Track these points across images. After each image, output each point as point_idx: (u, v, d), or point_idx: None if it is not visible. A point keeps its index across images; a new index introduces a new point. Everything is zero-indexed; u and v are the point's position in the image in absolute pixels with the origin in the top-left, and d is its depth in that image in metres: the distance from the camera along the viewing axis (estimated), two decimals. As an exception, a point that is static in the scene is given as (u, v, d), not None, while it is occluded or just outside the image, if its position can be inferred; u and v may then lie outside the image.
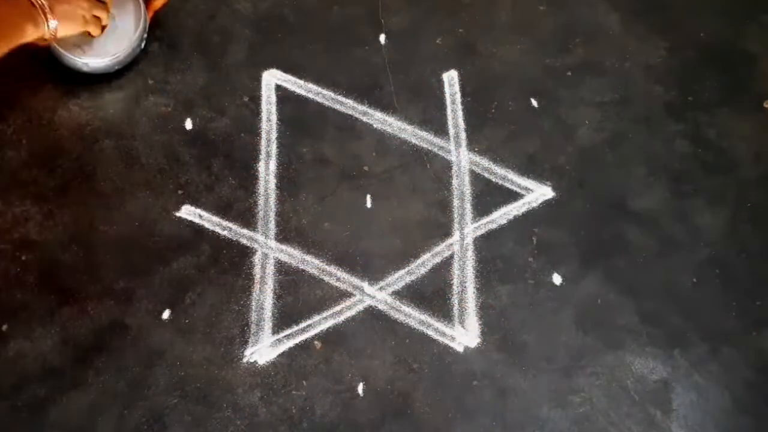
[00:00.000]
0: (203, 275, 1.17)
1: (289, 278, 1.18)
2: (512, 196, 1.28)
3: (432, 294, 1.18)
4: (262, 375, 1.11)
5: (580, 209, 1.28)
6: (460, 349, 1.15)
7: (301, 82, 1.36)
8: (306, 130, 1.31)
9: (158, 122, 1.29)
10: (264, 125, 1.31)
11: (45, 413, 1.05)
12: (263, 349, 1.13)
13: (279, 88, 1.35)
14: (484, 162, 1.31)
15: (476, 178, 1.29)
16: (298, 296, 1.17)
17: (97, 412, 1.06)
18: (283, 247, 1.21)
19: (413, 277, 1.20)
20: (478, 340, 1.16)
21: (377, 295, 1.18)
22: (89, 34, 1.22)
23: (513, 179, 1.29)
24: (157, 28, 1.36)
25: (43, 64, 1.31)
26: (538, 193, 1.29)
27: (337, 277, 1.19)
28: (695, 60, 1.45)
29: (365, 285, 1.18)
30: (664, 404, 1.13)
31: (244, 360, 1.12)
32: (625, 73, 1.42)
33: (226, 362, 1.11)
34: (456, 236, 1.23)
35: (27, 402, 1.06)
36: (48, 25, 1.12)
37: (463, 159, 1.30)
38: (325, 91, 1.35)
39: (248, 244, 1.20)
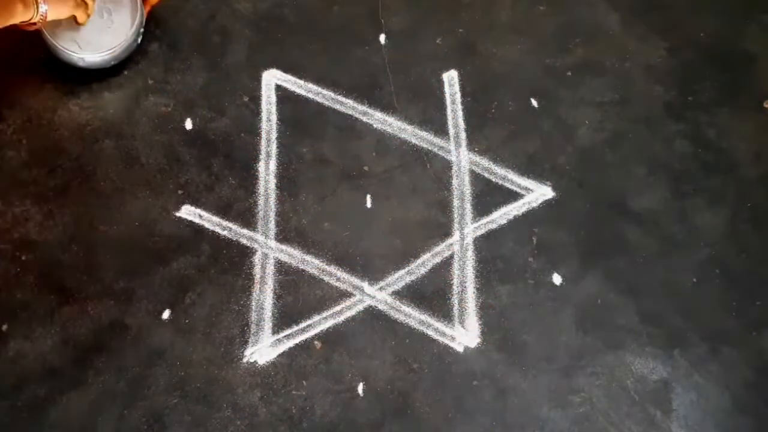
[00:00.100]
0: (203, 275, 1.17)
1: (289, 278, 1.18)
2: (512, 196, 1.28)
3: (432, 294, 1.18)
4: (262, 375, 1.11)
5: (580, 209, 1.28)
6: (460, 349, 1.15)
7: (301, 82, 1.36)
8: (306, 130, 1.31)
9: (158, 122, 1.29)
10: (264, 125, 1.31)
11: (45, 413, 1.06)
12: (263, 349, 1.13)
13: (279, 88, 1.35)
14: (484, 162, 1.31)
15: (476, 178, 1.29)
16: (298, 296, 1.17)
17: (97, 412, 1.06)
18: (283, 247, 1.21)
19: (413, 277, 1.20)
20: (478, 340, 1.16)
21: (377, 295, 1.18)
22: (75, 21, 1.22)
23: (513, 179, 1.29)
24: (155, 27, 1.36)
25: (43, 64, 1.31)
26: (538, 193, 1.29)
27: (337, 277, 1.19)
28: (695, 60, 1.45)
29: (365, 285, 1.18)
30: (664, 404, 1.13)
31: (244, 360, 1.12)
32: (625, 73, 1.42)
33: (226, 362, 1.11)
34: (456, 236, 1.23)
35: (27, 402, 1.06)
36: (38, 9, 1.12)
37: (463, 159, 1.30)
38: (325, 91, 1.35)
39: (248, 244, 1.20)
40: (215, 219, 1.22)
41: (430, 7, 1.46)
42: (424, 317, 1.16)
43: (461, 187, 1.28)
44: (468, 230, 1.24)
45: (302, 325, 1.15)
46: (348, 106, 1.34)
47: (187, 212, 1.22)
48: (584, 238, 1.25)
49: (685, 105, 1.40)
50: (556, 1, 1.49)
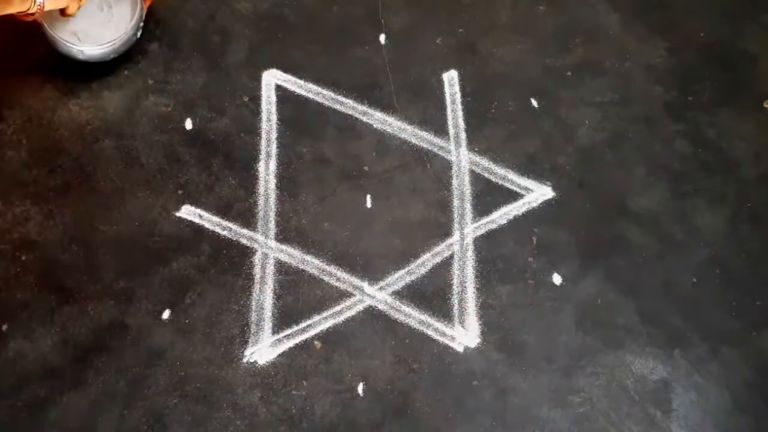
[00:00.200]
0: (203, 275, 1.17)
1: (289, 278, 1.18)
2: (512, 196, 1.28)
3: (432, 294, 1.18)
4: (262, 375, 1.11)
5: (580, 209, 1.28)
6: (460, 349, 1.15)
7: (301, 82, 1.36)
8: (306, 130, 1.31)
9: (158, 122, 1.29)
10: (264, 125, 1.31)
11: (45, 413, 1.06)
12: (263, 349, 1.13)
13: (279, 88, 1.35)
14: (484, 162, 1.31)
15: (476, 178, 1.29)
16: (298, 296, 1.17)
17: (97, 412, 1.06)
18: (283, 247, 1.21)
19: (413, 277, 1.20)
20: (478, 340, 1.16)
21: (377, 295, 1.18)
22: (63, 13, 1.21)
23: (513, 179, 1.29)
24: (155, 27, 1.36)
25: (43, 64, 1.31)
26: (538, 193, 1.29)
27: (337, 277, 1.19)
28: (695, 60, 1.45)
29: (365, 285, 1.18)
30: (664, 404, 1.13)
31: (244, 360, 1.12)
32: (625, 73, 1.42)
33: (226, 362, 1.11)
34: (456, 236, 1.23)
35: (27, 402, 1.06)
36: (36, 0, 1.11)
37: (463, 159, 1.30)
38: (325, 91, 1.35)
39: (248, 244, 1.20)
40: (215, 219, 1.22)
41: (430, 7, 1.46)
42: (424, 317, 1.16)
43: (461, 187, 1.28)
44: (468, 230, 1.24)
45: (302, 325, 1.15)
46: (348, 106, 1.34)
47: (187, 212, 1.22)
48: (584, 238, 1.25)
49: (685, 105, 1.40)
50: (556, 1, 1.49)
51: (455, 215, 1.25)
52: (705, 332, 1.19)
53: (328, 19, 1.43)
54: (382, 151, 1.30)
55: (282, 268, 1.19)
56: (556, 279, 1.21)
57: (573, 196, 1.29)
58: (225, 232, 1.21)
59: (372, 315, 1.16)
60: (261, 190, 1.25)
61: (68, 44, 1.24)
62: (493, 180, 1.29)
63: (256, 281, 1.17)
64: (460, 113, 1.35)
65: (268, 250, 1.20)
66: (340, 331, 1.15)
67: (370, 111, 1.34)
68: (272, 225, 1.22)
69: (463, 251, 1.22)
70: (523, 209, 1.27)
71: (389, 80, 1.37)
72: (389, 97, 1.35)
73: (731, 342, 1.18)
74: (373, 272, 1.19)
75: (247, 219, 1.22)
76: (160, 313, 1.14)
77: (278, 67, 1.36)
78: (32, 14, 1.15)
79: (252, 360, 1.12)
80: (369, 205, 1.26)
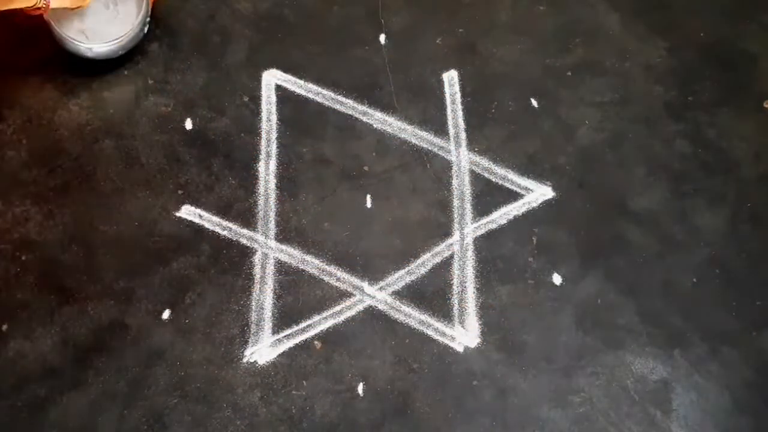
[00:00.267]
0: (203, 275, 1.17)
1: (289, 278, 1.18)
2: (512, 196, 1.28)
3: (432, 294, 1.18)
4: (262, 375, 1.11)
5: (580, 209, 1.28)
6: (460, 349, 1.15)
7: (301, 82, 1.36)
8: (306, 130, 1.31)
9: (158, 122, 1.29)
10: (264, 125, 1.31)
11: (45, 413, 1.06)
12: (263, 349, 1.13)
13: (279, 88, 1.35)
14: (484, 162, 1.31)
15: (476, 178, 1.29)
16: (298, 296, 1.17)
17: (97, 412, 1.06)
18: (283, 247, 1.21)
19: (413, 277, 1.20)
20: (478, 340, 1.16)
21: (377, 295, 1.18)
22: (74, 6, 1.21)
23: (513, 179, 1.29)
24: (155, 27, 1.36)
25: (43, 64, 1.31)
26: (538, 193, 1.29)
27: (337, 277, 1.19)
28: (695, 60, 1.45)
29: (365, 285, 1.18)
30: (664, 404, 1.13)
31: (244, 360, 1.12)
32: (625, 73, 1.42)
33: (226, 362, 1.11)
34: (456, 236, 1.23)
35: (27, 402, 1.06)
36: None
37: (463, 159, 1.30)
38: (325, 91, 1.35)
39: (248, 244, 1.20)
40: (215, 219, 1.22)
41: (430, 7, 1.46)
42: (424, 317, 1.16)
43: (461, 187, 1.28)
44: (468, 230, 1.24)
45: (302, 325, 1.15)
46: (348, 106, 1.34)
47: (187, 212, 1.22)
48: (584, 238, 1.25)
49: (685, 105, 1.40)
50: (556, 1, 1.49)
51: (455, 215, 1.25)
52: (705, 332, 1.19)
53: (328, 19, 1.43)
54: (382, 151, 1.30)
55: (282, 268, 1.19)
56: (556, 279, 1.21)
57: (573, 196, 1.29)
58: (225, 232, 1.21)
59: (372, 315, 1.16)
60: (261, 190, 1.25)
61: (76, 42, 1.25)
62: (493, 180, 1.29)
63: (256, 281, 1.17)
64: (460, 113, 1.35)
65: (268, 250, 1.20)
66: (340, 331, 1.15)
67: (370, 111, 1.34)
68: (272, 225, 1.22)
69: (463, 251, 1.22)
70: (523, 209, 1.27)
71: (389, 80, 1.37)
72: (389, 97, 1.35)
73: (731, 342, 1.18)
74: (373, 272, 1.19)
75: (247, 219, 1.22)
76: (160, 313, 1.14)
77: (278, 67, 1.36)
78: (39, 9, 1.14)
79: (252, 360, 1.12)
80: (369, 205, 1.26)
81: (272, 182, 1.26)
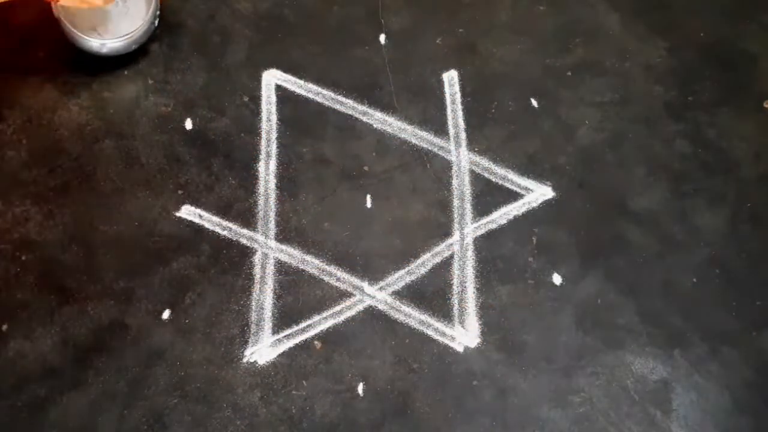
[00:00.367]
0: (203, 275, 1.17)
1: (289, 278, 1.18)
2: (512, 196, 1.28)
3: (432, 294, 1.18)
4: (262, 375, 1.11)
5: (580, 209, 1.28)
6: (460, 349, 1.15)
7: (301, 82, 1.35)
8: (306, 130, 1.31)
9: (158, 122, 1.29)
10: (264, 125, 1.31)
11: (45, 413, 1.05)
12: (263, 349, 1.13)
13: (279, 88, 1.35)
14: (484, 162, 1.30)
15: (476, 178, 1.29)
16: (298, 296, 1.17)
17: (97, 412, 1.06)
18: (283, 247, 1.21)
19: (413, 277, 1.20)
20: (478, 340, 1.16)
21: (377, 295, 1.18)
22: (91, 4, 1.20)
23: (513, 179, 1.29)
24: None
25: (43, 64, 1.31)
26: (538, 193, 1.29)
27: (337, 277, 1.19)
28: (695, 60, 1.45)
29: (365, 285, 1.18)
30: (664, 404, 1.13)
31: (244, 360, 1.12)
32: (625, 73, 1.42)
33: (226, 362, 1.11)
34: (456, 236, 1.23)
35: (27, 402, 1.06)
36: None
37: (463, 159, 1.30)
38: (325, 91, 1.35)
39: (248, 244, 1.20)
40: (215, 219, 1.22)
41: (430, 7, 1.46)
42: (424, 317, 1.16)
43: (461, 187, 1.28)
44: (468, 230, 1.24)
45: (302, 325, 1.15)
46: (348, 106, 1.34)
47: (187, 212, 1.22)
48: (584, 238, 1.25)
49: (685, 105, 1.40)
50: (556, 1, 1.49)
51: (455, 215, 1.25)
52: (705, 332, 1.19)
53: (328, 19, 1.43)
54: (382, 151, 1.30)
55: (282, 268, 1.19)
56: (556, 279, 1.21)
57: (573, 196, 1.29)
58: (225, 232, 1.21)
59: (372, 315, 1.16)
60: (261, 190, 1.25)
61: (89, 39, 1.25)
62: (493, 180, 1.29)
63: (256, 281, 1.17)
64: (460, 113, 1.35)
65: (268, 250, 1.20)
66: (340, 331, 1.15)
67: (370, 111, 1.34)
68: (272, 225, 1.22)
69: (463, 251, 1.22)
70: (523, 209, 1.27)
71: (389, 80, 1.37)
72: (389, 97, 1.35)
73: (731, 342, 1.18)
74: (373, 272, 1.19)
75: (247, 219, 1.22)
76: (160, 313, 1.14)
77: (278, 67, 1.36)
78: None
79: (252, 360, 1.12)
80: (369, 205, 1.26)
81: (272, 182, 1.26)
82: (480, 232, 1.24)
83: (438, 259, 1.21)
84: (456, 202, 1.26)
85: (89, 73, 1.30)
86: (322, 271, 1.19)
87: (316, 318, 1.15)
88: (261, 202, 1.24)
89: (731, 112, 1.39)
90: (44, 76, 1.30)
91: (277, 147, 1.29)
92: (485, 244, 1.23)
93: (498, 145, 1.32)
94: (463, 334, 1.16)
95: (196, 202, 1.23)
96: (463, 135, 1.33)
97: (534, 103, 1.37)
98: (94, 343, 1.11)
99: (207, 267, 1.17)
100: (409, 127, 1.33)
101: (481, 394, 1.12)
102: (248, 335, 1.13)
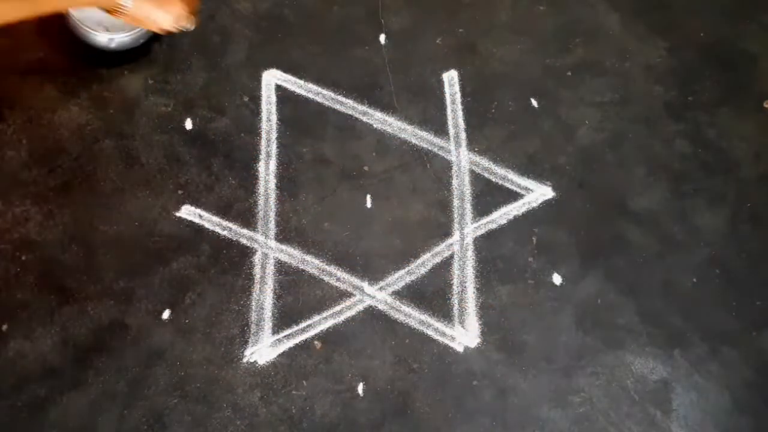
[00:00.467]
0: (203, 275, 1.17)
1: (289, 278, 1.18)
2: (512, 196, 1.28)
3: (432, 294, 1.18)
4: (262, 375, 1.11)
5: (580, 209, 1.28)
6: (460, 349, 1.15)
7: (301, 82, 1.35)
8: (306, 130, 1.31)
9: (158, 122, 1.29)
10: (264, 125, 1.31)
11: (45, 413, 1.05)
12: (263, 349, 1.13)
13: (279, 88, 1.35)
14: (484, 162, 1.31)
15: (476, 178, 1.29)
16: (298, 296, 1.17)
17: (97, 412, 1.06)
18: (283, 247, 1.21)
19: (413, 277, 1.20)
20: (478, 340, 1.16)
21: (377, 295, 1.18)
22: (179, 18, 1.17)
23: (513, 179, 1.29)
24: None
25: (43, 64, 1.31)
26: (538, 193, 1.29)
27: (337, 277, 1.19)
28: (695, 60, 1.45)
29: (365, 285, 1.18)
30: (664, 404, 1.13)
31: (244, 360, 1.12)
32: (625, 73, 1.42)
33: (226, 362, 1.11)
34: (456, 236, 1.23)
35: (27, 402, 1.06)
36: None
37: (463, 159, 1.30)
38: (325, 91, 1.35)
39: (248, 244, 1.20)
40: (215, 219, 1.22)
41: (430, 7, 1.46)
42: (424, 317, 1.16)
43: (461, 187, 1.28)
44: (468, 230, 1.24)
45: (302, 325, 1.15)
46: (348, 106, 1.34)
47: (187, 212, 1.22)
48: (584, 238, 1.25)
49: (685, 105, 1.40)
50: (556, 1, 1.49)
51: (455, 215, 1.25)
52: (705, 332, 1.19)
53: (328, 19, 1.43)
54: (382, 151, 1.30)
55: (282, 268, 1.19)
56: (556, 279, 1.21)
57: (573, 196, 1.29)
58: (225, 232, 1.21)
59: (372, 315, 1.16)
60: (261, 190, 1.25)
61: (97, 34, 1.25)
62: (493, 180, 1.29)
63: (256, 281, 1.17)
64: (460, 113, 1.35)
65: (268, 250, 1.20)
66: (340, 331, 1.15)
67: (370, 111, 1.34)
68: (272, 225, 1.22)
69: (463, 251, 1.22)
70: (523, 209, 1.27)
71: (389, 80, 1.37)
72: (389, 97, 1.35)
73: (731, 342, 1.18)
74: (373, 272, 1.19)
75: (247, 219, 1.22)
76: (160, 313, 1.14)
77: (278, 67, 1.36)
78: (121, 10, 1.10)
79: (252, 360, 1.12)
80: (369, 205, 1.26)
81: (272, 182, 1.26)
82: (480, 232, 1.24)
83: (438, 259, 1.21)
84: (456, 202, 1.26)
85: (89, 73, 1.30)
86: (322, 271, 1.19)
87: (316, 318, 1.15)
88: (261, 202, 1.24)
89: (731, 112, 1.39)
90: (44, 76, 1.30)
91: (277, 147, 1.29)
92: (485, 244, 1.23)
93: (498, 145, 1.32)
94: (463, 334, 1.16)
95: (196, 202, 1.23)
96: (463, 135, 1.33)
97: (534, 103, 1.37)
98: (94, 343, 1.11)
99: (207, 267, 1.17)
100: (409, 127, 1.33)
101: (481, 394, 1.12)
102: (248, 335, 1.13)
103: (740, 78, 1.44)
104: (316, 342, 1.14)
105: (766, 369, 1.17)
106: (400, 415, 1.09)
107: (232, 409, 1.08)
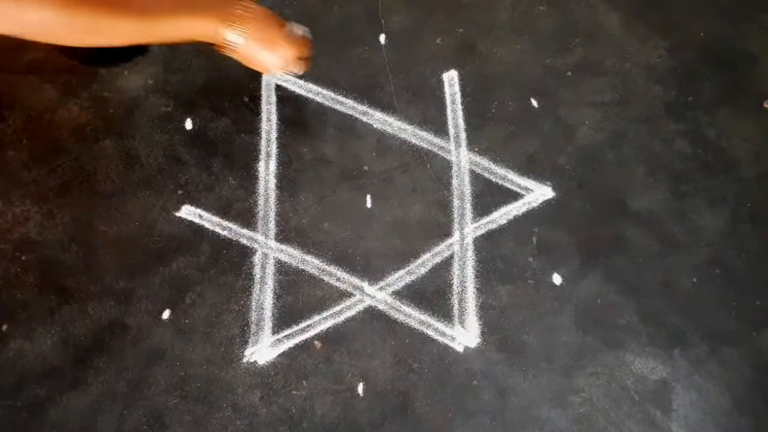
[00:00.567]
0: (203, 275, 1.17)
1: (289, 278, 1.18)
2: (512, 196, 1.28)
3: (432, 294, 1.18)
4: (262, 375, 1.11)
5: (580, 209, 1.28)
6: (460, 349, 1.15)
7: (301, 82, 1.36)
8: (306, 130, 1.31)
9: (158, 122, 1.29)
10: (264, 125, 1.31)
11: (45, 413, 1.06)
12: (263, 349, 1.13)
13: (279, 88, 1.35)
14: (484, 162, 1.31)
15: (476, 178, 1.29)
16: (298, 296, 1.17)
17: (97, 412, 1.06)
18: (283, 247, 1.21)
19: (413, 277, 1.20)
20: (478, 340, 1.16)
21: (377, 295, 1.18)
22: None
23: (513, 179, 1.29)
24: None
25: (43, 64, 1.31)
26: (538, 193, 1.29)
27: (337, 277, 1.19)
28: (695, 60, 1.45)
29: (365, 285, 1.18)
30: (664, 404, 1.13)
31: (244, 360, 1.12)
32: (625, 73, 1.42)
33: (226, 362, 1.11)
34: (456, 236, 1.23)
35: (27, 402, 1.06)
36: (227, 33, 1.07)
37: (463, 159, 1.30)
38: (325, 91, 1.35)
39: (248, 244, 1.20)
40: (215, 219, 1.22)
41: (430, 7, 1.46)
42: (424, 317, 1.16)
43: (461, 187, 1.28)
44: (468, 230, 1.24)
45: (302, 325, 1.15)
46: (348, 106, 1.34)
47: (187, 212, 1.22)
48: (584, 238, 1.25)
49: (685, 105, 1.40)
50: (556, 1, 1.49)
51: (455, 215, 1.25)
52: (705, 332, 1.19)
53: (328, 19, 1.43)
54: (382, 151, 1.30)
55: (282, 268, 1.19)
56: (556, 279, 1.21)
57: (573, 196, 1.29)
58: (225, 232, 1.21)
59: (372, 315, 1.16)
60: (261, 190, 1.25)
61: None
62: (493, 180, 1.29)
63: (256, 281, 1.17)
64: (460, 113, 1.35)
65: (268, 250, 1.20)
66: (340, 331, 1.15)
67: (370, 111, 1.34)
68: (272, 225, 1.22)
69: (463, 251, 1.22)
70: (523, 209, 1.27)
71: (389, 80, 1.37)
72: (389, 97, 1.35)
73: (731, 342, 1.18)
74: (373, 272, 1.19)
75: (247, 219, 1.22)
76: (160, 313, 1.14)
77: (278, 67, 1.36)
78: (226, 49, 1.09)
79: (252, 360, 1.12)
80: (369, 205, 1.26)
81: (272, 182, 1.26)
82: (480, 232, 1.24)
83: (438, 259, 1.21)
84: (456, 202, 1.26)
85: (89, 73, 1.30)
86: (322, 271, 1.19)
87: (316, 318, 1.15)
88: (261, 202, 1.24)
89: (731, 112, 1.39)
90: (44, 76, 1.30)
91: (277, 147, 1.29)
92: (485, 244, 1.23)
93: (498, 145, 1.32)
94: (463, 334, 1.16)
95: (196, 202, 1.23)
96: (463, 135, 1.33)
97: (534, 103, 1.37)
98: (94, 343, 1.11)
99: (207, 267, 1.18)
100: (409, 127, 1.33)
101: (481, 394, 1.12)
102: (248, 335, 1.13)
103: (740, 78, 1.43)
104: (316, 342, 1.14)
105: (766, 369, 1.16)
106: (400, 414, 1.09)
107: (232, 409, 1.08)
